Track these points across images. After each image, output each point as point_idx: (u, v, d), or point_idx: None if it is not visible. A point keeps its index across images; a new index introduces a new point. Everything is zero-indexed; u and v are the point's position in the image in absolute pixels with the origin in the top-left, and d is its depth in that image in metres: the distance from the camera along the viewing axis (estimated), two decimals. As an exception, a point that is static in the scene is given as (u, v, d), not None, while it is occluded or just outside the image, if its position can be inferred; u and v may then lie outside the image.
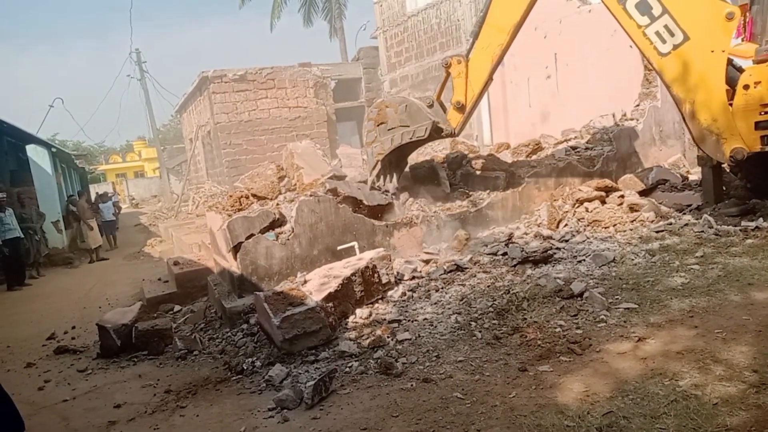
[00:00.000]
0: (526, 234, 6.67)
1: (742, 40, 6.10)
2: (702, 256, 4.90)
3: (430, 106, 6.71)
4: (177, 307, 7.24)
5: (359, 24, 71.92)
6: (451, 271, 5.56)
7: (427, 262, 6.03)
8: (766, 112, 5.35)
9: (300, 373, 4.08)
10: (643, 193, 7.25)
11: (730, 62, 5.68)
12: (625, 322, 3.91)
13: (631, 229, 6.06)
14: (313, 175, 7.35)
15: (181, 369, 4.98)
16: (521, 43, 12.75)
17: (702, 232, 5.55)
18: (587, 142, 8.87)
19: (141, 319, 6.09)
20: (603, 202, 6.83)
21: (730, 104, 5.51)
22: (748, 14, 5.93)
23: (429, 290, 5.23)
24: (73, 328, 7.18)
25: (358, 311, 4.87)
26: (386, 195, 6.85)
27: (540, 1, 6.27)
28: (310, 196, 6.29)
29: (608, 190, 7.06)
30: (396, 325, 4.57)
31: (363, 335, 4.48)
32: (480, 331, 4.17)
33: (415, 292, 5.25)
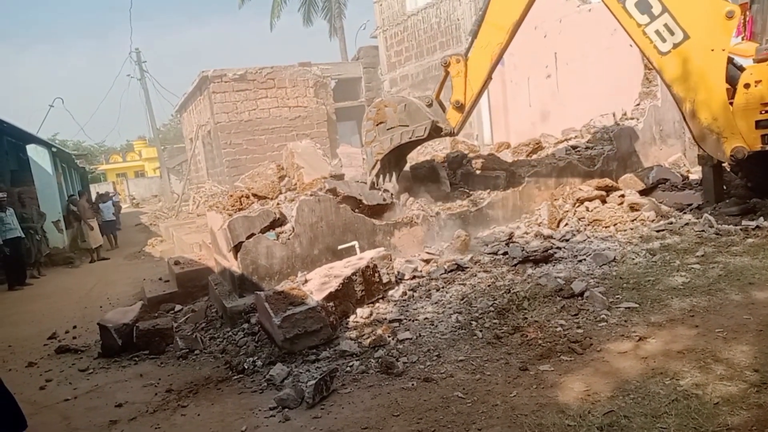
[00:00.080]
0: (526, 233, 6.67)
1: (743, 39, 6.10)
2: (703, 256, 4.90)
3: (430, 105, 6.70)
4: (178, 307, 7.24)
5: (359, 23, 72.05)
6: (451, 271, 5.57)
7: (427, 261, 6.04)
8: (766, 111, 5.35)
9: (301, 373, 4.09)
10: (643, 193, 7.25)
11: (730, 61, 5.68)
12: (625, 321, 3.91)
13: (631, 229, 6.07)
14: (314, 175, 7.35)
15: (182, 368, 4.99)
16: (521, 42, 12.74)
17: (703, 231, 5.55)
18: (587, 142, 8.87)
19: (142, 319, 6.10)
20: (603, 202, 6.83)
21: (731, 103, 5.51)
22: (748, 13, 5.93)
23: (430, 290, 5.23)
24: (74, 327, 7.18)
25: (358, 311, 4.88)
26: (386, 194, 6.86)
27: (540, 0, 6.27)
28: (311, 195, 6.29)
29: (609, 190, 7.06)
30: (397, 324, 4.57)
31: (364, 335, 4.49)
32: (481, 331, 4.18)
33: (415, 291, 5.25)
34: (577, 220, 6.65)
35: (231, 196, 7.41)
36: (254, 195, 7.32)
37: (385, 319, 4.70)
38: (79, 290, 10.20)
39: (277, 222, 6.21)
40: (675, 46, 5.46)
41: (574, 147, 8.73)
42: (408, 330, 4.41)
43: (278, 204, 6.68)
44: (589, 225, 6.45)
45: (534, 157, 8.46)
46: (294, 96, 19.35)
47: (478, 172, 7.93)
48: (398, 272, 5.62)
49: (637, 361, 3.35)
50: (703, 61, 5.38)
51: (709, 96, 5.44)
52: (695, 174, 7.85)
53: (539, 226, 6.85)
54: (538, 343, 3.79)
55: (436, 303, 4.89)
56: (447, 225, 6.78)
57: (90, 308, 8.46)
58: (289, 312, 4.40)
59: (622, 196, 6.85)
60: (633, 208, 6.48)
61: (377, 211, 6.68)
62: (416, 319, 4.62)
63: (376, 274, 5.18)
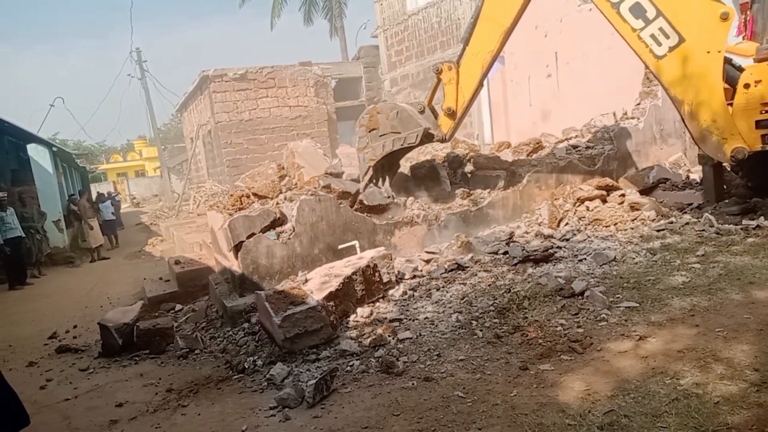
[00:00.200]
0: (527, 233, 6.67)
1: (743, 38, 6.10)
2: (703, 255, 4.90)
3: (422, 112, 6.77)
4: (178, 306, 7.24)
5: (360, 23, 71.91)
6: (452, 270, 5.57)
7: (428, 261, 6.03)
8: (766, 111, 5.35)
9: (301, 372, 4.09)
10: (643, 192, 7.25)
11: (729, 61, 5.69)
12: (626, 320, 3.91)
13: (632, 228, 6.06)
14: (314, 174, 7.36)
15: (182, 368, 4.99)
16: (522, 41, 12.79)
17: (703, 230, 5.54)
18: (588, 141, 8.87)
19: (142, 318, 6.10)
20: (604, 201, 6.83)
21: (731, 104, 5.51)
22: (749, 12, 5.93)
23: (430, 289, 5.23)
24: (75, 327, 7.19)
25: (359, 310, 4.88)
26: (386, 194, 6.86)
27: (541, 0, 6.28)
28: (311, 195, 6.29)
29: (609, 189, 7.06)
30: (397, 323, 4.57)
31: (364, 334, 4.49)
32: (481, 330, 4.18)
33: (416, 291, 5.25)
34: (578, 219, 6.65)
35: (231, 195, 7.42)
36: (255, 194, 7.33)
37: (386, 318, 4.70)
38: (80, 290, 10.20)
39: (278, 221, 6.22)
40: (671, 49, 5.47)
41: (574, 146, 8.73)
42: (408, 329, 4.41)
43: (278, 203, 6.68)
44: (589, 224, 6.45)
45: (534, 156, 8.46)
46: (294, 95, 19.35)
47: (478, 171, 7.93)
48: (398, 272, 5.62)
49: (638, 360, 3.34)
50: (700, 63, 5.39)
51: (707, 97, 5.45)
52: (696, 173, 7.85)
53: (540, 225, 6.85)
54: (538, 343, 3.79)
55: (436, 302, 4.89)
56: (447, 224, 6.78)
57: (90, 308, 8.46)
58: (290, 311, 4.40)
59: (623, 195, 6.85)
60: (633, 207, 6.47)
61: (377, 210, 6.68)
62: (416, 319, 4.62)
63: (377, 274, 5.18)
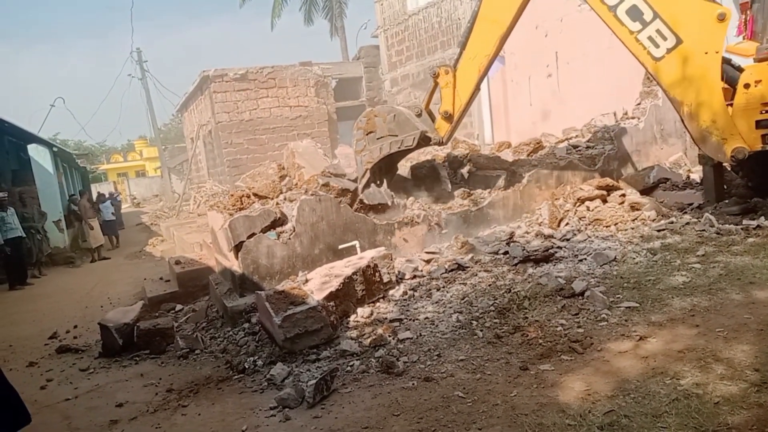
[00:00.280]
0: (527, 233, 6.67)
1: (743, 38, 6.10)
2: (703, 255, 4.90)
3: (419, 115, 6.80)
4: (178, 306, 7.25)
5: (360, 23, 71.86)
6: (452, 270, 5.57)
7: (428, 261, 6.03)
8: (766, 111, 5.34)
9: (301, 372, 4.09)
10: (644, 192, 7.25)
11: (728, 62, 5.69)
12: (626, 321, 3.91)
13: (632, 228, 6.06)
14: (314, 174, 7.36)
15: (182, 368, 4.99)
16: (522, 41, 12.79)
17: (703, 230, 5.54)
18: (588, 141, 8.87)
19: (143, 318, 6.11)
20: (604, 201, 6.83)
21: (730, 104, 5.51)
22: (749, 12, 5.93)
23: (430, 289, 5.23)
24: (75, 327, 7.19)
25: (359, 310, 4.88)
26: (386, 194, 6.87)
27: (541, -1, 6.29)
28: (312, 195, 6.29)
29: (609, 189, 7.06)
30: (397, 324, 4.57)
31: (364, 334, 4.49)
32: (481, 330, 4.18)
33: (416, 291, 5.25)
34: (578, 219, 6.65)
35: (232, 195, 7.42)
36: (255, 194, 7.33)
37: (386, 318, 4.70)
38: (80, 290, 10.20)
39: (278, 221, 6.22)
40: (669, 51, 5.48)
41: (574, 146, 8.73)
42: (408, 329, 4.42)
43: (279, 204, 6.68)
44: (589, 224, 6.45)
45: (535, 156, 8.45)
46: (295, 95, 19.35)
47: (478, 171, 7.93)
48: (399, 272, 5.62)
49: (638, 360, 3.34)
50: (698, 64, 5.39)
51: (706, 98, 5.45)
52: (696, 173, 7.84)
53: (540, 225, 6.85)
54: (538, 343, 3.79)
55: (436, 302, 4.89)
56: (448, 224, 6.78)
57: (91, 308, 8.47)
58: (290, 311, 4.40)
59: (623, 195, 6.85)
60: (634, 207, 6.47)
61: (377, 211, 6.68)
62: (417, 319, 4.62)
63: (377, 274, 5.18)
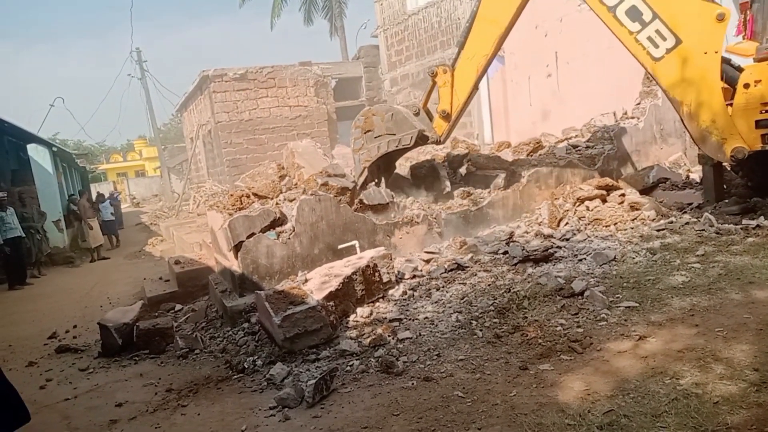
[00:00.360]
0: (526, 233, 6.67)
1: (743, 38, 6.10)
2: (703, 255, 4.90)
3: (417, 114, 6.82)
4: (178, 306, 7.25)
5: (360, 23, 71.79)
6: (451, 270, 5.57)
7: (427, 260, 6.03)
8: (766, 111, 5.35)
9: (301, 372, 4.09)
10: (643, 192, 7.25)
11: (728, 62, 5.69)
12: (625, 320, 3.91)
13: (631, 228, 6.06)
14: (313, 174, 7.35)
15: (182, 368, 4.99)
16: (522, 41, 12.79)
17: (703, 230, 5.54)
18: (588, 141, 8.87)
19: (142, 318, 6.11)
20: (604, 201, 6.83)
21: (730, 104, 5.51)
22: (749, 12, 5.93)
23: (430, 289, 5.23)
24: (75, 327, 7.19)
25: (359, 310, 4.88)
26: (386, 194, 6.87)
27: (541, -1, 6.29)
28: (311, 195, 6.29)
29: (609, 189, 7.06)
30: (397, 323, 4.57)
31: (364, 334, 4.49)
32: (481, 330, 4.18)
33: (416, 290, 5.25)
34: (578, 219, 6.65)
35: (231, 195, 7.41)
36: (255, 194, 7.32)
37: (386, 318, 4.70)
38: (80, 290, 10.20)
39: (278, 221, 6.21)
40: (668, 51, 5.48)
41: (574, 146, 8.74)
42: (408, 329, 4.42)
43: (278, 203, 6.68)
44: (589, 224, 6.45)
45: (534, 156, 8.45)
46: (294, 95, 19.35)
47: (478, 171, 7.93)
48: (398, 271, 5.62)
49: (637, 360, 3.34)
50: (698, 64, 5.40)
51: (706, 98, 5.46)
52: (696, 173, 7.85)
53: (539, 225, 6.85)
54: (538, 343, 3.79)
55: (436, 302, 4.89)
56: (447, 224, 6.78)
57: (90, 308, 8.46)
58: (290, 311, 4.40)
59: (623, 195, 6.85)
60: (633, 207, 6.47)
61: (377, 210, 6.68)
62: (416, 319, 4.62)
63: (377, 274, 5.18)
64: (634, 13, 5.55)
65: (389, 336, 4.34)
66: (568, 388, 3.17)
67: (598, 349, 3.57)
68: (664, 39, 5.46)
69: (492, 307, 4.48)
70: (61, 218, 14.69)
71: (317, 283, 4.90)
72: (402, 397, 3.44)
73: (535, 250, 5.61)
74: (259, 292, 4.99)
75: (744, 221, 5.58)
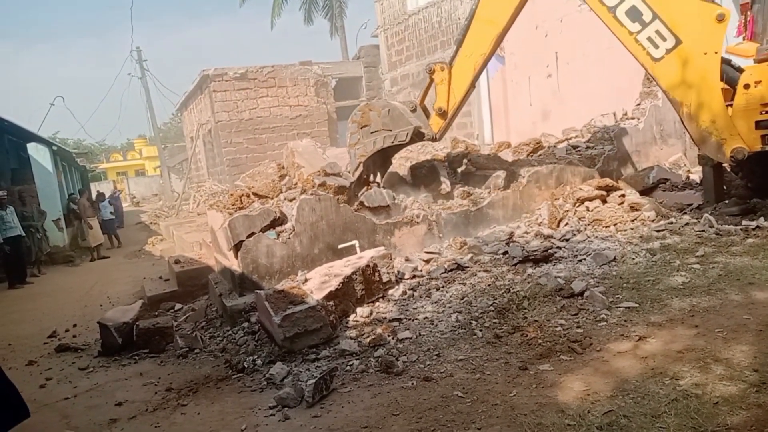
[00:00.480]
0: (526, 233, 6.67)
1: (743, 39, 6.10)
2: (703, 256, 4.90)
3: (413, 110, 6.83)
4: (178, 306, 7.24)
5: (360, 22, 71.72)
6: (451, 270, 5.57)
7: (427, 260, 6.04)
8: (766, 112, 5.35)
9: (301, 372, 4.09)
10: (643, 193, 7.25)
11: (728, 62, 5.69)
12: (625, 321, 3.91)
13: (631, 229, 6.06)
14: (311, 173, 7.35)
15: (182, 367, 4.99)
16: (522, 41, 12.79)
17: (703, 231, 5.55)
18: (588, 141, 8.87)
19: (142, 318, 6.11)
20: (604, 202, 6.83)
21: (730, 105, 5.51)
22: (749, 13, 5.94)
23: (430, 289, 5.23)
24: (75, 326, 7.19)
25: (358, 310, 4.88)
26: (387, 195, 6.87)
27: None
28: (311, 194, 6.29)
29: (609, 190, 7.06)
30: (397, 323, 4.58)
31: (364, 334, 4.49)
32: (480, 330, 4.18)
33: (415, 290, 5.25)
34: (578, 219, 6.65)
35: (231, 195, 7.41)
36: (255, 194, 7.32)
37: (385, 318, 4.70)
38: (80, 289, 10.20)
39: (278, 221, 6.22)
40: (668, 51, 5.49)
41: (574, 146, 8.74)
42: (408, 329, 4.42)
43: (278, 203, 6.68)
44: (589, 225, 6.45)
45: (534, 156, 8.45)
46: (295, 95, 19.35)
47: (478, 171, 7.93)
48: (398, 271, 5.62)
49: (637, 360, 3.35)
50: (698, 64, 5.40)
51: (706, 99, 5.46)
52: (696, 174, 7.85)
53: (539, 225, 6.85)
54: (537, 343, 3.79)
55: (436, 302, 4.89)
56: (447, 224, 6.78)
57: (90, 307, 8.46)
58: (289, 311, 4.40)
59: (623, 195, 6.85)
60: (633, 208, 6.47)
61: (377, 210, 6.68)
62: (416, 319, 4.62)
63: (376, 273, 5.18)
64: (634, 14, 5.55)
65: (389, 336, 4.35)
66: (567, 388, 3.17)
67: (598, 349, 3.58)
68: (664, 39, 5.47)
69: (492, 308, 4.48)
70: (61, 217, 14.70)
71: (317, 283, 4.90)
72: (402, 397, 3.45)
73: (535, 251, 5.61)
74: (258, 291, 4.99)
75: (744, 222, 5.58)
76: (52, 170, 15.08)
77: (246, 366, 4.48)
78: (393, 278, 5.36)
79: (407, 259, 6.16)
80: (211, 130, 19.74)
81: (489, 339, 4.02)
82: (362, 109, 6.99)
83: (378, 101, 7.75)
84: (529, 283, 4.85)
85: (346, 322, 4.73)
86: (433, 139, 7.01)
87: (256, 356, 4.61)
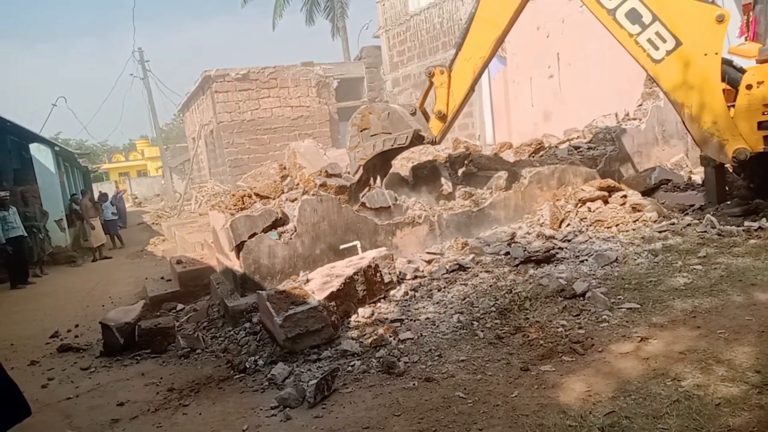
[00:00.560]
0: (528, 234, 6.67)
1: (746, 39, 6.10)
2: (705, 257, 4.89)
3: (413, 113, 6.84)
4: (180, 306, 7.25)
5: (361, 23, 71.80)
6: (453, 271, 5.57)
7: (429, 261, 6.04)
8: (769, 112, 5.34)
9: (302, 372, 4.09)
10: (645, 193, 7.24)
11: (730, 63, 5.68)
12: (627, 322, 3.90)
13: (633, 229, 6.06)
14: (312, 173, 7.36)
15: (183, 367, 5.00)
16: (524, 42, 12.79)
17: (705, 232, 5.54)
18: (589, 142, 8.87)
19: (144, 318, 6.12)
20: (606, 202, 6.82)
21: (732, 106, 5.51)
22: (751, 13, 5.93)
23: (431, 290, 5.23)
24: (77, 326, 7.20)
25: (360, 310, 4.88)
26: (389, 196, 6.87)
27: (542, 0, 6.30)
28: (313, 195, 6.30)
29: (611, 190, 7.05)
30: (398, 324, 4.58)
31: (365, 334, 4.49)
32: (482, 331, 4.18)
33: (417, 291, 5.25)
34: (579, 220, 6.64)
35: (233, 195, 7.42)
36: (256, 194, 7.33)
37: (387, 318, 4.71)
38: (82, 289, 10.22)
39: (279, 221, 6.22)
40: (668, 53, 5.48)
41: (576, 147, 8.73)
42: (409, 330, 4.42)
43: (280, 203, 6.68)
44: (591, 225, 6.45)
45: (536, 157, 8.45)
46: (296, 96, 19.37)
47: (480, 172, 7.93)
48: (400, 272, 5.62)
49: (639, 361, 3.34)
50: (698, 65, 5.39)
51: (707, 100, 5.45)
52: (698, 175, 7.84)
53: (541, 226, 6.84)
54: (539, 344, 3.79)
55: (437, 303, 4.89)
56: (449, 225, 6.78)
57: (92, 307, 8.48)
58: (291, 311, 4.41)
59: (625, 196, 6.84)
60: (635, 208, 6.47)
61: (379, 211, 6.68)
62: (418, 319, 4.62)
63: (378, 274, 5.19)
64: (633, 16, 5.55)
65: (390, 336, 4.35)
66: (569, 389, 3.17)
67: (600, 350, 3.57)
68: (664, 41, 5.46)
69: (493, 308, 4.48)
70: (63, 217, 14.73)
71: (319, 284, 4.90)
72: (403, 397, 3.45)
73: (536, 251, 5.61)
74: (260, 292, 5.00)
75: (746, 223, 5.57)
76: (54, 171, 15.11)
77: (248, 366, 4.48)
78: (394, 279, 5.36)
79: (409, 260, 6.16)
80: (213, 131, 19.77)
81: (490, 340, 4.02)
82: (362, 112, 7.01)
83: (378, 104, 7.77)
84: (530, 283, 4.85)
85: (348, 323, 4.73)
86: (433, 143, 7.03)
87: (257, 356, 4.61)
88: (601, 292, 4.35)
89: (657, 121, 8.93)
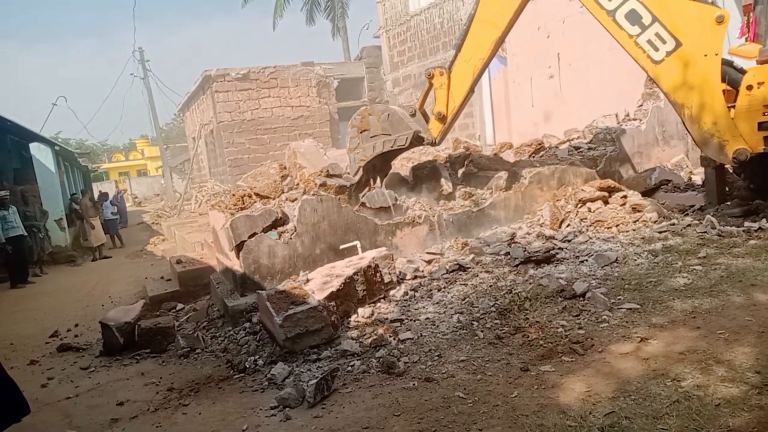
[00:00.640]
0: (528, 234, 6.67)
1: (746, 40, 6.09)
2: (705, 257, 4.89)
3: (413, 115, 6.85)
4: (180, 306, 7.25)
5: (362, 23, 71.87)
6: (453, 271, 5.56)
7: (429, 261, 6.04)
8: (769, 113, 5.34)
9: (302, 372, 4.09)
10: (645, 194, 7.24)
11: (730, 64, 5.68)
12: (627, 322, 3.90)
13: (633, 230, 6.05)
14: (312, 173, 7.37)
15: (183, 367, 5.00)
16: (524, 42, 12.80)
17: (705, 232, 5.54)
18: (590, 142, 8.87)
19: (144, 317, 6.12)
20: (606, 203, 6.82)
21: (732, 106, 5.51)
22: (752, 14, 5.93)
23: (431, 290, 5.23)
24: (76, 326, 7.20)
25: (360, 310, 4.88)
26: (389, 196, 6.87)
27: (543, 0, 6.30)
28: (313, 195, 6.30)
29: (611, 191, 7.05)
30: (398, 324, 4.57)
31: (365, 334, 4.49)
32: (482, 331, 4.18)
33: (417, 291, 5.25)
34: (579, 220, 6.64)
35: (233, 195, 7.42)
36: (256, 194, 7.33)
37: (387, 318, 4.71)
38: (81, 288, 10.22)
39: (279, 221, 6.22)
40: (668, 54, 5.48)
41: (576, 147, 8.74)
42: (409, 330, 4.42)
43: (280, 203, 6.68)
44: (591, 226, 6.44)
45: (536, 157, 8.45)
46: (297, 95, 19.38)
47: (480, 172, 7.93)
48: (400, 272, 5.62)
49: (639, 362, 3.34)
50: (698, 66, 5.40)
51: (707, 100, 5.45)
52: (698, 175, 7.84)
53: (541, 226, 6.84)
54: (539, 344, 3.79)
55: (437, 303, 4.89)
56: (449, 225, 6.78)
57: (92, 306, 8.48)
58: (291, 311, 4.41)
59: (625, 197, 6.83)
60: (635, 209, 6.46)
61: (379, 211, 6.68)
62: (417, 319, 4.62)
63: (378, 274, 5.19)
64: (633, 17, 5.55)
65: (390, 336, 4.35)
66: (569, 389, 3.17)
67: (600, 350, 3.57)
68: (664, 42, 5.46)
69: (493, 308, 4.48)
70: (63, 217, 14.73)
71: (319, 283, 4.90)
72: (403, 397, 3.45)
73: (536, 252, 5.61)
74: (260, 291, 5.00)
75: (746, 223, 5.57)
76: (54, 170, 15.11)
77: (247, 366, 4.48)
78: (394, 279, 5.36)
79: (409, 260, 6.15)
80: (213, 131, 19.77)
81: (490, 340, 4.02)
82: (362, 114, 7.02)
83: (377, 105, 7.78)
84: (530, 284, 4.85)
85: (348, 323, 4.73)
86: (433, 144, 7.03)
87: (257, 356, 4.61)
88: (601, 293, 4.35)
89: (657, 121, 8.93)
